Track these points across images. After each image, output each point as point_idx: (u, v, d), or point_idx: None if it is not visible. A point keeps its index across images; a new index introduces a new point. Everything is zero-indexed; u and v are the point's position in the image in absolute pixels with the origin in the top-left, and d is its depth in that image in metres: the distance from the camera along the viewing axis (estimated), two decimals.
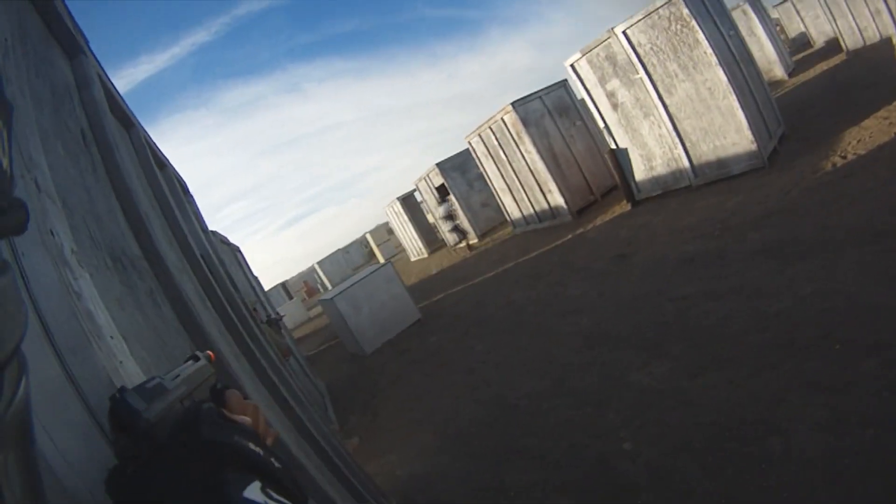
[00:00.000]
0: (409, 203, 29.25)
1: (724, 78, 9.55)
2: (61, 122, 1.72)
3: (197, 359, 0.91)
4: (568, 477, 4.46)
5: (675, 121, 10.72)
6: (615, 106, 11.84)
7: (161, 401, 0.72)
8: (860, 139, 8.34)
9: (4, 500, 0.40)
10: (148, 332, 1.66)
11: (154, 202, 2.87)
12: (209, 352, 0.97)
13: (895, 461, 2.98)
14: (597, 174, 15.61)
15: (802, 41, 25.41)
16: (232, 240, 12.58)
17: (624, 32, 10.68)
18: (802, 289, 5.26)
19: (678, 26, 9.83)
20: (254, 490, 0.64)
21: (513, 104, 15.17)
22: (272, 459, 0.72)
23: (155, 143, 3.92)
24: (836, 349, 4.15)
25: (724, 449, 3.82)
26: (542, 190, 15.81)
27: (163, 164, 3.93)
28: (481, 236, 22.30)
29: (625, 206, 12.89)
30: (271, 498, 0.65)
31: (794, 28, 26.09)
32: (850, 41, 17.55)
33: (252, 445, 0.71)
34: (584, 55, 11.89)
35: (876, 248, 5.27)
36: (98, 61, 2.66)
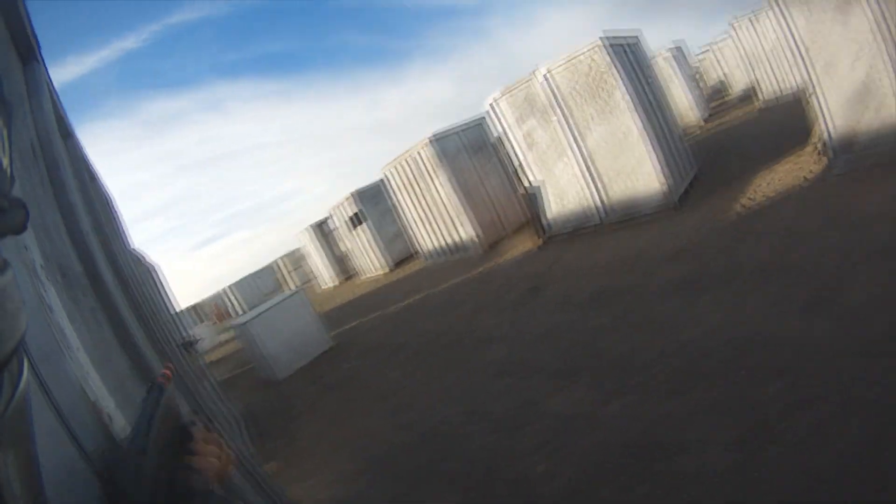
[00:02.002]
0: (323, 230, 28.90)
1: (638, 124, 10.05)
2: (16, 133, 1.63)
3: (157, 389, 0.90)
4: (485, 499, 4.46)
5: (589, 161, 11.14)
6: (531, 145, 12.17)
7: (146, 470, 0.74)
8: (769, 182, 8.92)
9: (4, 499, 0.40)
10: (93, 348, 1.64)
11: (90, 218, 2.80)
12: (166, 371, 0.95)
13: (801, 472, 3.16)
14: (509, 210, 16.01)
15: (721, 88, 27.15)
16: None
17: (545, 75, 11.08)
18: (710, 319, 5.54)
19: (598, 72, 10.30)
20: None
21: (430, 139, 15.43)
22: None
23: (87, 155, 3.81)
24: (742, 374, 4.37)
25: (637, 467, 3.93)
26: (454, 223, 16.08)
27: (94, 176, 3.81)
28: (393, 267, 22.27)
29: (536, 242, 13.17)
30: None
31: (713, 77, 27.75)
32: (767, 90, 18.45)
33: None
34: (504, 95, 12.22)
35: (781, 281, 5.65)
36: (46, 68, 2.55)
